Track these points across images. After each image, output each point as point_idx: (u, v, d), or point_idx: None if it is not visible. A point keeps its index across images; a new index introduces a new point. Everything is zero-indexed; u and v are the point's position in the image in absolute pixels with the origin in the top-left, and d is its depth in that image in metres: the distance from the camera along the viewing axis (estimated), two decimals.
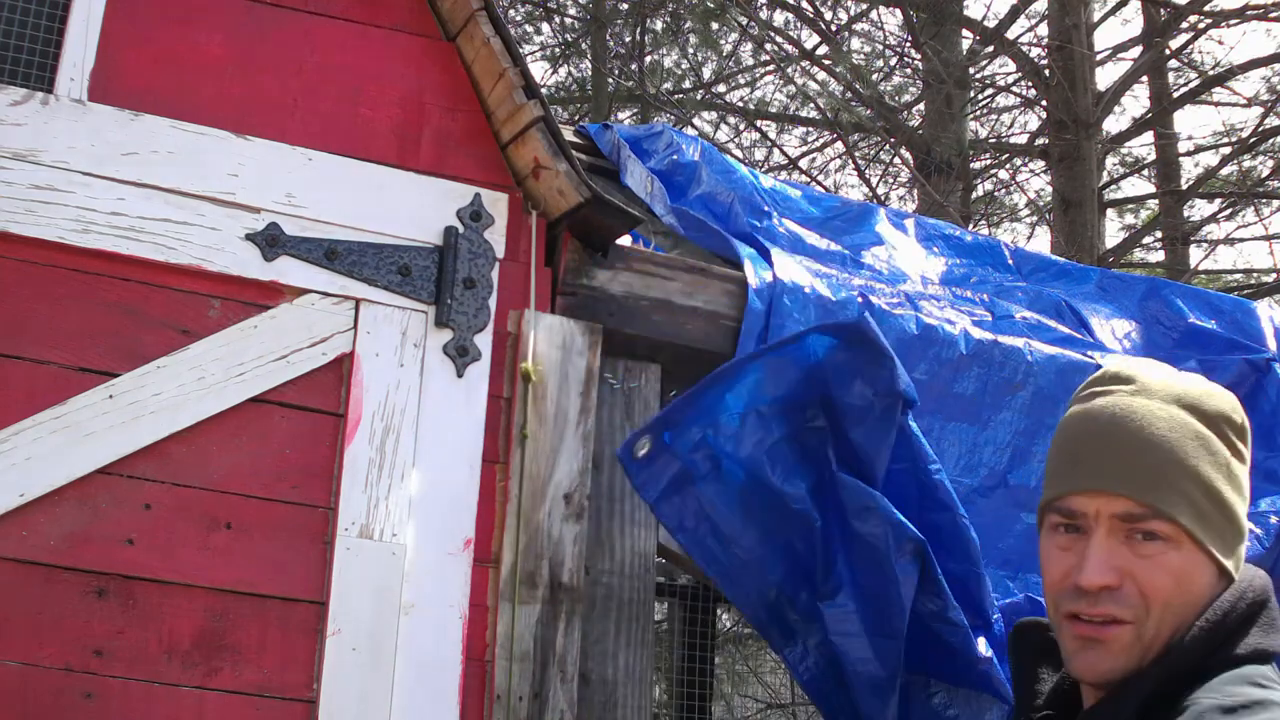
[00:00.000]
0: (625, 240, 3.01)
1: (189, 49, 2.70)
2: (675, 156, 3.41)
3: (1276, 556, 3.18)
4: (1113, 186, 10.98)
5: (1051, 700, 1.50)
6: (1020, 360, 3.18)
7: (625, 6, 10.43)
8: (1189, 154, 11.35)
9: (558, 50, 10.98)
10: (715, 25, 10.26)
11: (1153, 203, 11.73)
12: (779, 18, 10.58)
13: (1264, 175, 10.60)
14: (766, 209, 3.39)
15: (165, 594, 2.42)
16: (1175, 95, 10.57)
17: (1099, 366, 3.26)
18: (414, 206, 2.77)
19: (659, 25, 10.63)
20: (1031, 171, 11.49)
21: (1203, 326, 3.63)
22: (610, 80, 10.24)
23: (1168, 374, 1.44)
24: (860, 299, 3.12)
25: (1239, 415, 1.45)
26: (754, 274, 3.05)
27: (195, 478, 2.49)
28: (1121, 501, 1.36)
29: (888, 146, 10.70)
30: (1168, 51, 9.87)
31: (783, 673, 9.01)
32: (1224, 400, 1.44)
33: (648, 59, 10.51)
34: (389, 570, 2.53)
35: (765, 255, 3.15)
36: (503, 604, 2.61)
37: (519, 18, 10.58)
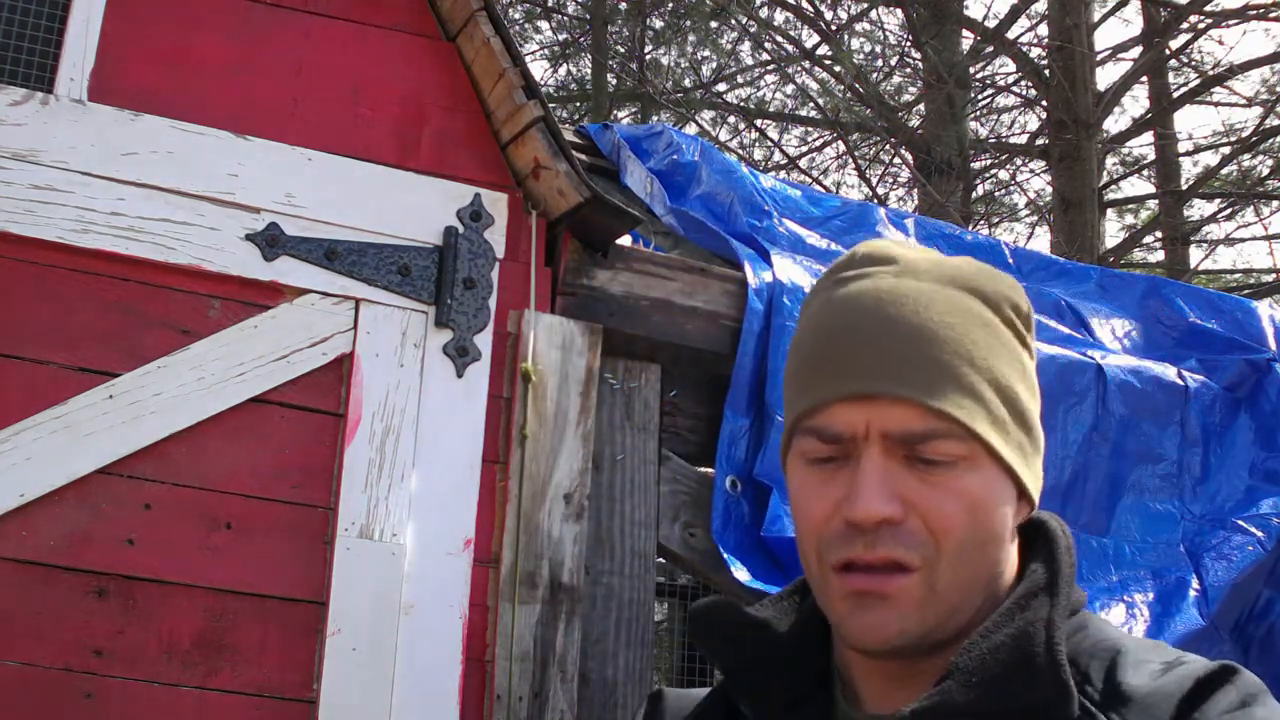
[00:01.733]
0: (625, 240, 3.01)
1: (189, 49, 2.70)
2: (675, 156, 3.41)
3: (1277, 559, 3.18)
4: (1113, 186, 10.98)
5: (797, 678, 1.13)
6: None
7: (624, 5, 10.43)
8: (1189, 154, 11.35)
9: (558, 49, 10.98)
10: (715, 24, 10.26)
11: (1153, 203, 11.73)
12: (779, 17, 10.58)
13: (1264, 175, 10.60)
14: (767, 209, 3.39)
15: (165, 594, 2.42)
16: (1175, 95, 10.57)
17: (1099, 366, 3.26)
18: (413, 206, 2.77)
19: (659, 24, 10.63)
20: (1031, 171, 11.49)
21: (1203, 326, 3.63)
22: (610, 78, 10.24)
23: (932, 253, 1.12)
24: None
25: (1024, 301, 1.13)
26: (753, 274, 3.05)
27: (195, 478, 2.49)
28: (901, 410, 1.00)
29: (888, 146, 10.69)
30: (1168, 51, 9.87)
31: None
32: (1004, 281, 1.12)
33: (648, 57, 10.51)
34: (389, 570, 2.53)
35: (764, 256, 3.16)
36: (503, 604, 2.61)
37: (519, 16, 10.58)
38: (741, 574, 2.76)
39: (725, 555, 2.80)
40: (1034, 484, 1.09)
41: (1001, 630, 0.99)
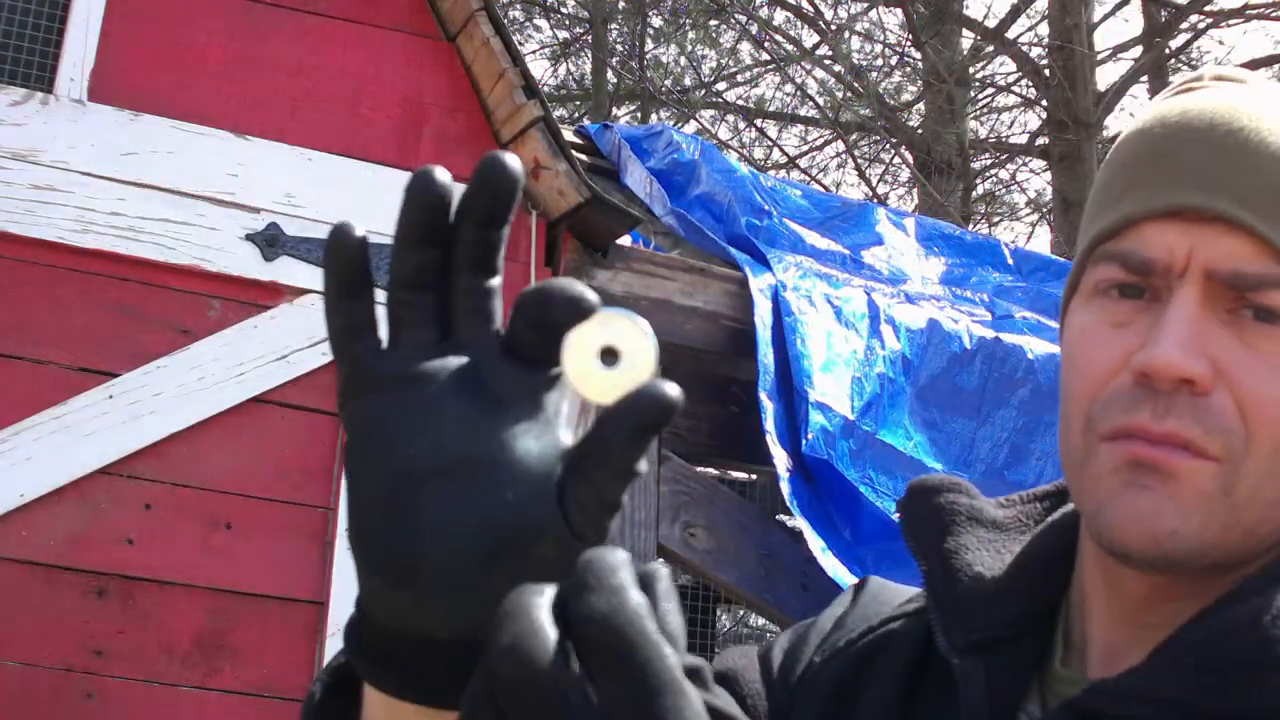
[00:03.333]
0: (625, 240, 3.01)
1: (189, 49, 2.70)
2: (675, 156, 3.42)
3: None
4: None
5: (1008, 607, 0.81)
6: (1021, 357, 3.20)
7: (624, 4, 10.44)
8: None
9: (558, 49, 10.99)
10: (714, 23, 10.28)
11: None
12: (779, 16, 10.59)
13: None
14: (767, 208, 3.40)
15: (165, 594, 2.42)
16: None
17: None
18: None
19: (658, 22, 10.64)
20: (1031, 171, 11.49)
21: None
22: (610, 77, 10.25)
23: None
24: (867, 297, 3.15)
25: None
26: (753, 277, 3.06)
27: (195, 478, 2.49)
28: (1236, 242, 0.72)
29: (888, 146, 10.70)
30: (1168, 51, 9.87)
31: None
32: None
33: (647, 56, 10.52)
34: None
35: (762, 260, 3.17)
36: None
37: (519, 16, 10.59)
38: (817, 543, 2.82)
39: (806, 526, 2.85)
40: None
41: (1264, 593, 0.71)
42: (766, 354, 2.96)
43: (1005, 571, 0.82)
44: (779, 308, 3.02)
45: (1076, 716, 0.72)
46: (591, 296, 0.53)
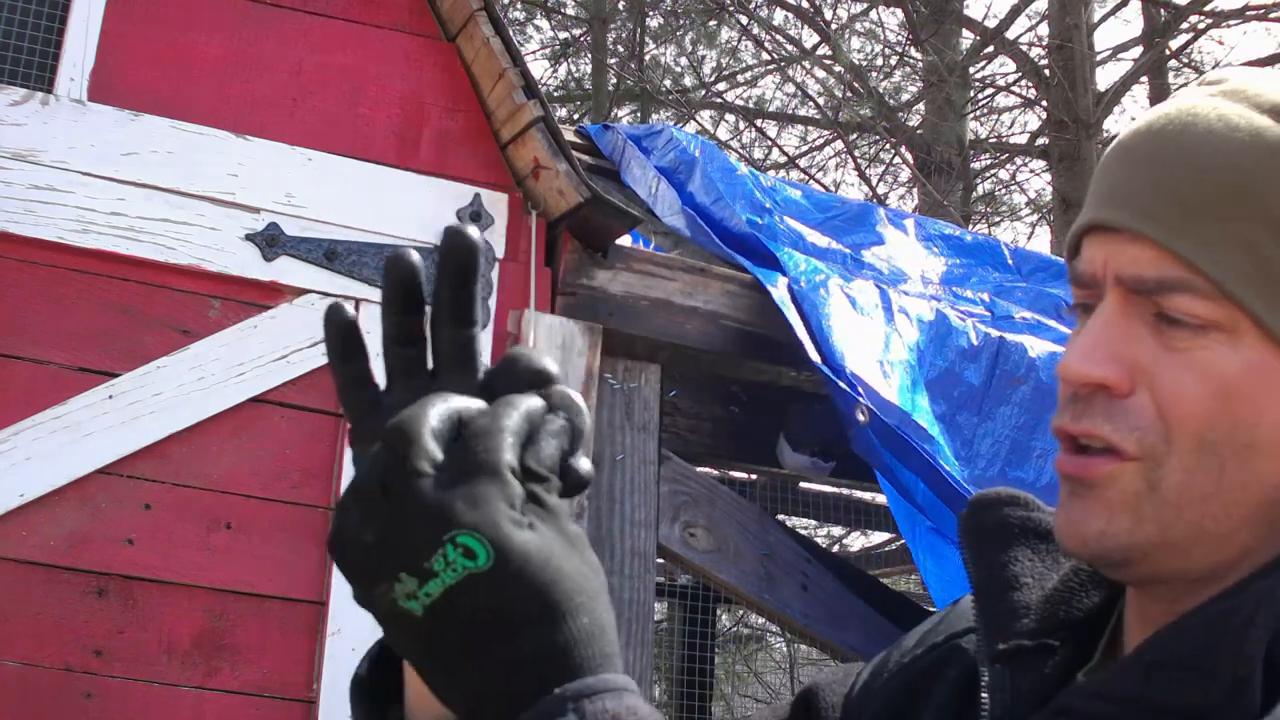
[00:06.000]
0: (625, 240, 3.01)
1: (188, 49, 2.70)
2: (676, 154, 3.42)
3: None
4: None
5: (1047, 618, 0.84)
6: (1023, 355, 3.20)
7: (624, 4, 10.44)
8: None
9: (558, 49, 10.99)
10: (713, 23, 10.28)
11: None
12: (778, 16, 10.59)
13: None
14: (768, 206, 3.40)
15: (165, 594, 2.42)
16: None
17: None
18: (414, 206, 2.77)
19: (657, 22, 10.64)
20: (1031, 171, 11.48)
21: None
22: (611, 75, 10.25)
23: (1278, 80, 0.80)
24: (878, 289, 3.15)
25: None
26: (765, 279, 3.05)
27: (195, 478, 2.49)
28: (1137, 250, 0.76)
29: (888, 146, 10.70)
30: (1168, 51, 9.86)
31: (783, 673, 9.01)
32: None
33: (647, 57, 10.52)
34: None
35: (768, 262, 3.16)
36: None
37: (519, 16, 10.59)
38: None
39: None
40: None
41: (1230, 599, 0.72)
42: (800, 330, 2.90)
43: (1054, 582, 0.86)
44: (796, 296, 3.00)
45: (1054, 716, 0.75)
46: (553, 369, 0.67)
